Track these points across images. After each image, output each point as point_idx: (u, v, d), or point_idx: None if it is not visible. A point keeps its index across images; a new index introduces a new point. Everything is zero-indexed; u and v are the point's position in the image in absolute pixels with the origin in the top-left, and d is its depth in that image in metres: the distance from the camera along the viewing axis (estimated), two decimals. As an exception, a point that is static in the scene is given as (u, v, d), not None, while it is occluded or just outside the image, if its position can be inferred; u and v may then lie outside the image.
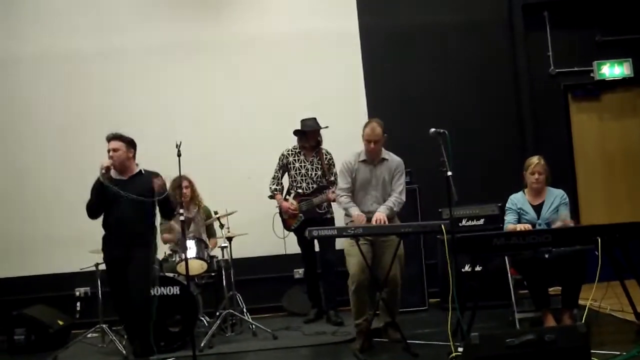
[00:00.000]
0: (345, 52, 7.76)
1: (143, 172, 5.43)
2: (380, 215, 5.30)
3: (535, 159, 5.51)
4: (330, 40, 7.72)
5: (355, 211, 5.39)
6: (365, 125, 5.49)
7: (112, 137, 5.37)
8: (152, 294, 5.41)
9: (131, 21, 7.75)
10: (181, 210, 5.15)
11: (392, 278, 5.29)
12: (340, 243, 6.25)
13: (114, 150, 5.31)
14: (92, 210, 5.37)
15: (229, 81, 7.75)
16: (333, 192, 6.39)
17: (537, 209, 5.46)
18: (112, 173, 5.35)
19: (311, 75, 7.72)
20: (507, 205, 5.60)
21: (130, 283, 5.21)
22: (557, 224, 5.29)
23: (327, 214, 6.69)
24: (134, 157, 5.45)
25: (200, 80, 7.73)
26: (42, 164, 7.62)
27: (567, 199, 5.51)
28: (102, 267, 6.21)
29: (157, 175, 5.41)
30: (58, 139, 7.64)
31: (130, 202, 5.19)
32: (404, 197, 5.54)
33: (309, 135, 6.68)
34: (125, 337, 6.01)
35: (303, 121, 6.73)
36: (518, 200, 5.55)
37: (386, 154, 5.58)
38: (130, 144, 5.42)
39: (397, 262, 5.31)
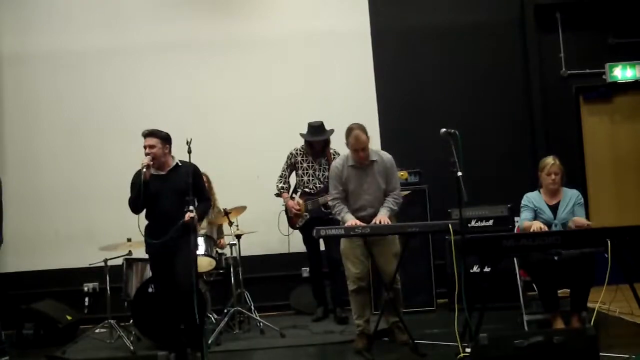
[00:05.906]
0: (356, 51, 7.77)
1: (180, 164, 5.34)
2: (382, 217, 5.18)
3: (550, 160, 5.48)
4: (342, 40, 7.73)
5: (349, 218, 5.24)
6: (348, 134, 5.25)
7: (147, 134, 5.28)
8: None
9: (143, 19, 7.79)
10: (191, 207, 5.11)
11: (389, 276, 5.24)
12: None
13: (150, 147, 5.23)
14: (135, 206, 5.27)
15: (238, 79, 7.76)
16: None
17: (554, 209, 5.44)
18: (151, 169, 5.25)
19: (322, 74, 7.74)
20: (522, 202, 5.56)
21: (178, 273, 5.13)
22: (570, 225, 5.27)
23: (332, 213, 6.65)
24: (170, 151, 5.34)
25: (210, 79, 7.76)
26: (53, 160, 7.67)
27: (582, 200, 5.50)
28: (111, 262, 6.27)
29: (193, 167, 5.28)
30: (69, 135, 7.68)
31: (172, 195, 5.18)
32: (401, 194, 5.43)
33: (314, 144, 6.63)
34: (133, 332, 6.03)
35: (309, 127, 6.64)
36: (534, 198, 5.52)
37: (374, 154, 5.35)
38: (166, 139, 5.31)
39: (395, 260, 5.26)
